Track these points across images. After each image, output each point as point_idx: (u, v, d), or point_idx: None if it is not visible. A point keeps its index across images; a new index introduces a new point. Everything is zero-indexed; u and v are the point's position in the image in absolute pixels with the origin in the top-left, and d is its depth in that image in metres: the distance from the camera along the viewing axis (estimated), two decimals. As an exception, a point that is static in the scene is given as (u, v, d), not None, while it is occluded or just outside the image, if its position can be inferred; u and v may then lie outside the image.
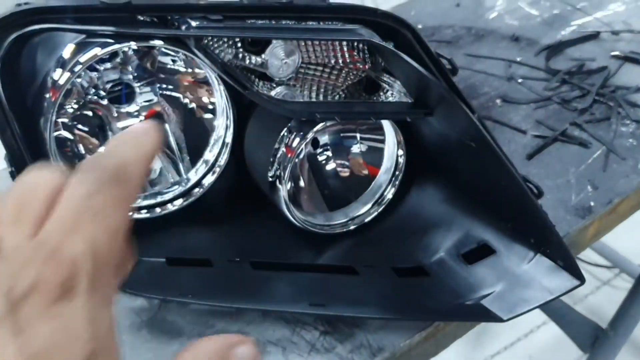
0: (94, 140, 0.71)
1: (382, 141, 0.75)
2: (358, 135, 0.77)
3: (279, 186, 0.68)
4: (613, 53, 1.12)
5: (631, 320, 1.29)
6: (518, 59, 1.11)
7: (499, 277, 0.64)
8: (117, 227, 0.30)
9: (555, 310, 1.42)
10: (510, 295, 0.63)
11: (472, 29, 1.21)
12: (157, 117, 0.73)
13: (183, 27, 0.59)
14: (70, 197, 0.30)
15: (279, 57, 0.65)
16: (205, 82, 0.71)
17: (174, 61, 0.71)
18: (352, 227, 0.75)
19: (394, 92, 0.68)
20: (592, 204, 0.82)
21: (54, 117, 0.60)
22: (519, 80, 1.05)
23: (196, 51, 0.61)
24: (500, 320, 0.62)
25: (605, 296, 1.92)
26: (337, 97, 0.70)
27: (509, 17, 1.25)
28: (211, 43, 0.62)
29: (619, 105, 0.98)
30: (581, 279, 0.61)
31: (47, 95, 0.60)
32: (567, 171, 0.86)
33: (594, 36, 1.17)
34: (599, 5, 1.29)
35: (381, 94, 0.69)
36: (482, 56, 1.12)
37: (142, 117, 0.73)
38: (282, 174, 0.67)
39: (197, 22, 0.58)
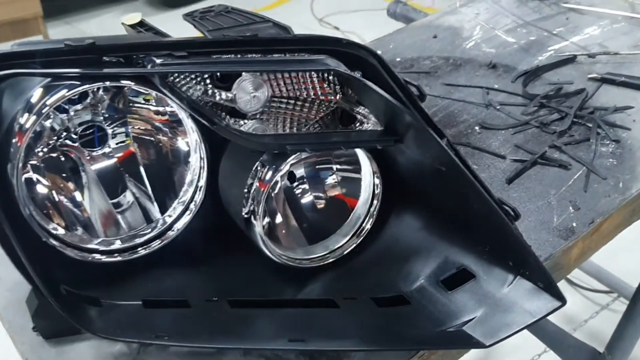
0: (68, 184, 0.70)
1: (359, 172, 0.74)
2: (334, 167, 0.76)
3: (254, 222, 0.67)
4: (590, 75, 1.12)
5: (628, 342, 1.27)
6: (496, 86, 1.12)
7: (480, 302, 0.63)
8: None
9: (551, 336, 1.40)
10: (492, 319, 0.62)
11: (450, 58, 1.22)
12: (131, 158, 0.73)
13: (148, 66, 0.59)
14: None
15: (247, 91, 0.64)
16: (177, 120, 0.71)
17: (146, 100, 0.71)
18: (331, 260, 0.74)
19: (369, 123, 0.67)
20: (574, 224, 0.81)
21: (21, 163, 0.59)
22: (497, 107, 1.05)
23: (162, 89, 0.61)
24: (483, 345, 0.61)
25: (604, 320, 1.89)
26: (310, 129, 0.70)
27: (486, 46, 1.26)
28: (178, 80, 0.62)
29: (598, 126, 0.98)
30: (562, 300, 0.60)
31: (14, 140, 0.59)
32: (547, 193, 0.86)
33: (570, 60, 1.18)
34: (575, 29, 1.30)
35: (357, 124, 0.69)
36: (460, 85, 1.13)
37: (115, 159, 0.72)
38: (256, 209, 0.67)
39: (162, 60, 0.58)
